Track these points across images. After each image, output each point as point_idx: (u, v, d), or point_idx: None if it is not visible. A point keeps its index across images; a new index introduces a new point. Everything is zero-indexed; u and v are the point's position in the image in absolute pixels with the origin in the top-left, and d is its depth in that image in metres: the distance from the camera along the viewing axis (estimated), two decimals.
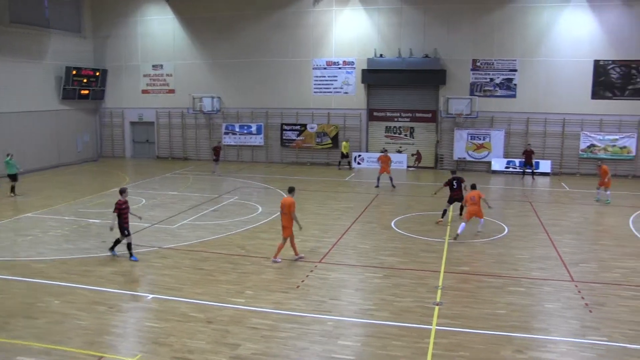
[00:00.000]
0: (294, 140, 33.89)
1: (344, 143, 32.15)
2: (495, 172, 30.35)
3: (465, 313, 11.24)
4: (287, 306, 11.56)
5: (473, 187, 17.44)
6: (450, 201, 19.09)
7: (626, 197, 23.91)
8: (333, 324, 10.70)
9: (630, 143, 29.17)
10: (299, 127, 33.72)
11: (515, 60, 30.13)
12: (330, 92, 33.17)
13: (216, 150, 29.97)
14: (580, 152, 29.85)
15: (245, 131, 34.73)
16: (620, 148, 29.25)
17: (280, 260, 14.57)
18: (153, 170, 31.26)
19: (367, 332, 10.56)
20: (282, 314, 11.17)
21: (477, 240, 16.72)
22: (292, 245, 14.72)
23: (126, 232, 14.49)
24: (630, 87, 29.15)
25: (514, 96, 30.41)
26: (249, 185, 26.52)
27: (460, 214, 19.14)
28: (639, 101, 29.14)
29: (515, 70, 30.20)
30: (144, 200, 22.37)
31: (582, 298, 12.18)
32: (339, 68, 32.80)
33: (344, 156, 32.07)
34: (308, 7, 32.55)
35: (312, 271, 13.81)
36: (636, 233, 18.05)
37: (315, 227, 18.27)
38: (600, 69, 29.26)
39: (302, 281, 13.05)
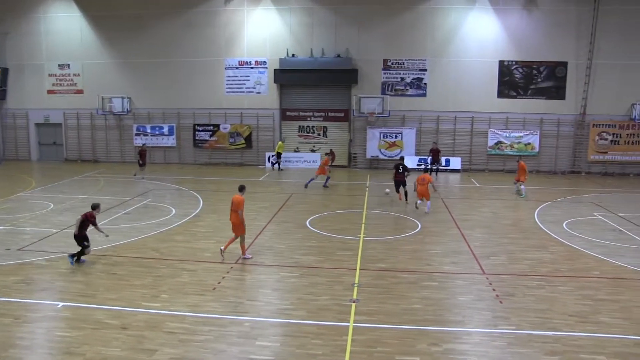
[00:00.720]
0: (207, 140, 33.18)
1: (279, 143, 31.66)
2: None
3: (382, 309, 11.23)
4: (203, 309, 11.17)
5: (425, 171, 19.35)
6: (396, 185, 21.94)
7: (532, 192, 24.97)
8: (250, 325, 10.42)
9: (534, 140, 30.67)
10: (211, 127, 33.05)
11: (425, 60, 30.89)
12: (243, 92, 32.71)
13: (142, 154, 28.17)
14: (488, 149, 31.02)
15: (157, 132, 33.64)
16: (525, 144, 30.67)
17: (250, 256, 14.67)
18: (61, 174, 29.58)
19: (285, 331, 10.34)
20: (199, 316, 10.78)
21: (392, 237, 16.85)
22: (231, 241, 14.64)
23: (86, 243, 14.01)
24: (532, 86, 30.62)
25: (424, 95, 31.16)
26: (162, 187, 25.61)
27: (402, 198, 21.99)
28: (541, 100, 30.67)
29: (425, 70, 30.96)
30: (52, 205, 21.04)
31: (493, 290, 12.49)
32: (252, 68, 32.40)
33: (278, 157, 31.52)
34: (219, 6, 31.94)
35: (228, 273, 13.42)
36: (541, 226, 18.82)
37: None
38: (504, 69, 30.54)
39: (219, 283, 12.65)
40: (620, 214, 20.81)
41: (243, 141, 32.83)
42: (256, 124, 32.76)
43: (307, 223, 18.67)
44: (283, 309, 11.32)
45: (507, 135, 30.80)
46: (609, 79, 30.29)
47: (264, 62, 32.19)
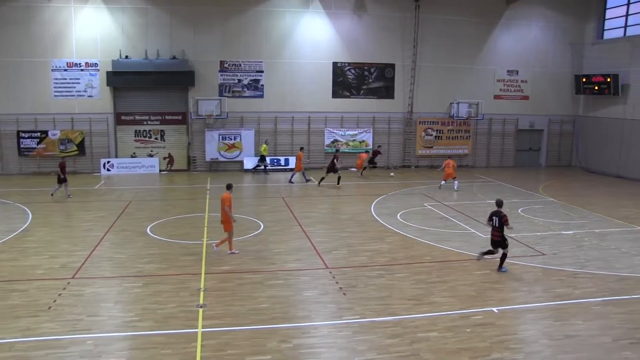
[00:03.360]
0: (34, 148, 30.38)
1: (263, 146, 30.38)
2: (247, 170, 30.94)
3: (230, 312, 11.10)
4: (38, 331, 10.19)
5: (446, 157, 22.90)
6: (327, 171, 24.27)
7: (368, 186, 26.26)
8: (94, 343, 9.73)
9: (367, 137, 32.31)
10: (38, 134, 30.32)
11: (261, 61, 31.10)
12: (73, 95, 30.42)
13: (62, 167, 23.62)
14: (325, 147, 32.05)
15: None
16: (360, 142, 32.17)
17: (237, 251, 15.29)
18: None
19: (132, 344, 9.81)
20: (33, 340, 9.81)
21: (235, 238, 16.69)
22: (229, 240, 15.27)
23: None
24: (364, 87, 32.19)
25: (261, 96, 31.36)
26: None
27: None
28: (373, 99, 32.41)
29: (262, 72, 31.18)
30: None
31: (337, 283, 12.91)
32: (82, 70, 30.26)
33: (264, 159, 30.34)
34: (42, 1, 29.36)
35: (64, 289, 12.39)
36: (378, 218, 19.85)
37: (64, 241, 16.52)
38: (338, 70, 31.76)
39: (54, 301, 11.63)
40: (446, 203, 22.63)
41: (75, 148, 30.57)
42: (89, 130, 30.67)
43: (148, 230, 17.90)
44: (128, 322, 10.73)
45: (343, 133, 32.09)
46: (431, 80, 32.86)
47: (96, 64, 30.23)
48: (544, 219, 20.16)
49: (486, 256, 14.52)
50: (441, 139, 33.54)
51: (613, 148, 32.22)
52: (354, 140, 32.12)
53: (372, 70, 32.19)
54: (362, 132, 32.25)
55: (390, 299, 11.96)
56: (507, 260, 14.27)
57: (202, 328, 10.35)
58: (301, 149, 28.96)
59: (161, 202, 23.25)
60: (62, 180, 23.41)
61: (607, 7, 33.77)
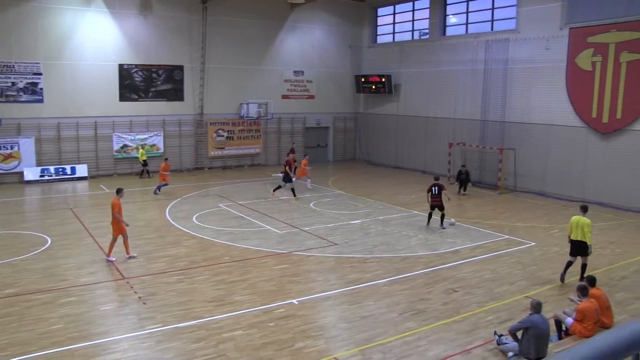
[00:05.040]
0: None
1: (141, 150, 29.57)
2: (29, 182, 28.30)
3: (16, 339, 10.23)
4: None
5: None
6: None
7: (162, 191, 25.78)
8: None
9: (158, 141, 31.58)
10: None
11: (39, 63, 28.57)
12: None
13: None
14: (115, 153, 30.63)
15: None
16: (151, 146, 31.32)
17: (114, 259, 15.08)
18: None
19: None
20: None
21: (18, 257, 15.39)
22: (125, 244, 15.36)
23: None
24: (153, 89, 31.41)
25: (41, 101, 28.85)
26: None
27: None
28: (162, 102, 31.74)
29: (41, 74, 28.65)
30: None
31: (135, 292, 12.65)
32: None
33: (145, 164, 29.60)
34: None
35: None
36: (173, 222, 19.70)
37: None
38: (124, 72, 30.53)
39: None
40: (240, 202, 23.22)
41: None
42: None
43: None
44: None
45: (133, 138, 30.95)
46: (221, 81, 33.24)
47: None
48: (334, 211, 21.75)
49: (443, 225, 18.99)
50: (233, 139, 34.14)
51: (390, 142, 35.76)
52: (145, 144, 31.18)
53: (160, 72, 31.55)
54: (152, 136, 31.43)
55: (192, 303, 12.06)
56: (303, 253, 15.48)
57: None
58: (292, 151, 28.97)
59: None
60: None
61: (378, 15, 37.36)
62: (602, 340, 2.37)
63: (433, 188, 19.09)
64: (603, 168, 23.73)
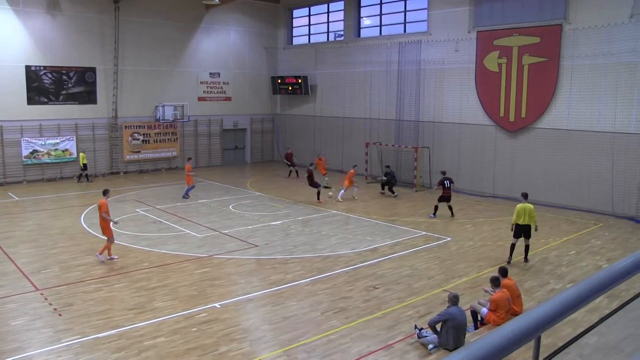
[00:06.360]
0: None
1: (81, 154, 29.11)
2: None
3: None
4: None
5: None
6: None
7: (76, 197, 24.89)
8: None
9: (71, 145, 30.29)
10: None
11: None
12: None
13: None
14: (24, 159, 29.16)
15: None
16: (63, 151, 30.04)
17: (117, 257, 15.57)
18: None
19: None
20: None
21: None
22: (106, 246, 15.46)
23: None
24: (63, 92, 30.15)
25: None
26: None
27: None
28: (74, 105, 30.53)
29: None
30: None
31: (50, 304, 12.21)
32: None
33: (85, 168, 29.20)
34: None
35: None
36: (89, 230, 19.10)
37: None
38: (32, 74, 29.11)
39: None
40: (158, 207, 22.83)
41: None
42: None
43: None
44: None
45: (43, 143, 29.58)
46: (135, 83, 32.39)
47: None
48: (253, 213, 21.80)
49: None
50: (149, 142, 33.39)
51: (308, 142, 36.10)
52: (56, 149, 29.88)
53: (71, 74, 30.35)
54: (64, 141, 30.14)
55: (112, 312, 11.80)
56: (224, 255, 15.68)
57: None
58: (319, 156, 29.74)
59: None
60: None
61: (294, 17, 37.66)
62: (510, 327, 2.65)
63: (445, 181, 21.05)
64: (511, 164, 25.09)
